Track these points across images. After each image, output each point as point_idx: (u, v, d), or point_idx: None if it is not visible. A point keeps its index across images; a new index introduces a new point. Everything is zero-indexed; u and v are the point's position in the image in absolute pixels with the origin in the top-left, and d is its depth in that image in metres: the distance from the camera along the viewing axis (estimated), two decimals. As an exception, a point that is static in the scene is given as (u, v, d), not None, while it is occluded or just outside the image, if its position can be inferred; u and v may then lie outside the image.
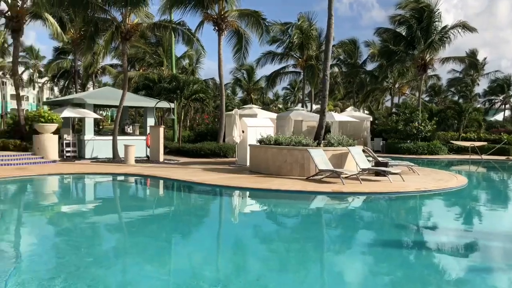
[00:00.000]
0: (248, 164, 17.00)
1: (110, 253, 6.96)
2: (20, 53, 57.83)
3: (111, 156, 19.64)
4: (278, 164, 14.71)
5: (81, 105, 20.41)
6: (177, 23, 20.36)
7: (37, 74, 64.88)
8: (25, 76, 63.87)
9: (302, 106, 39.02)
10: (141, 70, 35.92)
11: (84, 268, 5.95)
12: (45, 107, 24.18)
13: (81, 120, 22.85)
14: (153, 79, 26.76)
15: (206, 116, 35.43)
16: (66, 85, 37.24)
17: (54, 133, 18.16)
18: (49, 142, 17.77)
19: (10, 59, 54.11)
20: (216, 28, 23.75)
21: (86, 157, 19.78)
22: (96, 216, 9.99)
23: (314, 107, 38.47)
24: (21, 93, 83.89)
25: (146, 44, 33.64)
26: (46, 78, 69.43)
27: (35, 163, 16.81)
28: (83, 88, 36.31)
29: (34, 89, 74.71)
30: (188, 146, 22.77)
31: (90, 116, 20.03)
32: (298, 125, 26.50)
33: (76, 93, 31.53)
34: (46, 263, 6.23)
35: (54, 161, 17.55)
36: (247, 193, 12.39)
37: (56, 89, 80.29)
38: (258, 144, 15.79)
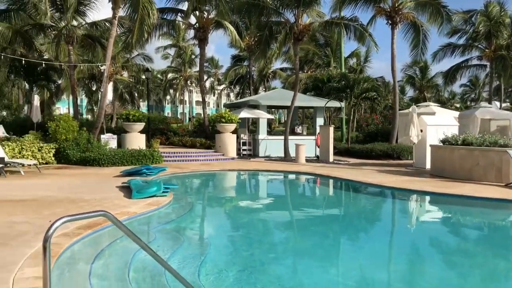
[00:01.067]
0: (428, 166, 15.36)
1: (290, 251, 6.80)
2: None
3: (282, 155, 20.18)
4: (467, 167, 12.83)
5: (255, 106, 21.55)
6: (348, 19, 19.80)
7: (217, 82, 72.11)
8: (207, 84, 71.37)
9: (490, 103, 34.08)
10: (309, 72, 36.47)
11: (268, 265, 5.88)
12: (224, 110, 26.30)
13: (255, 121, 24.18)
14: (322, 79, 26.73)
15: (376, 116, 33.90)
16: (241, 89, 40.26)
17: (232, 132, 19.52)
18: (229, 140, 19.16)
19: (196, 69, 61.39)
20: (389, 21, 22.32)
21: (260, 155, 20.75)
22: (273, 212, 10.12)
23: (503, 105, 33.20)
24: (198, 99, 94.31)
25: (315, 45, 33.96)
26: (223, 85, 76.90)
27: (217, 160, 18.30)
28: (256, 92, 38.67)
29: (214, 95, 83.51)
30: (358, 146, 21.96)
31: (264, 116, 20.96)
32: (485, 125, 23.01)
33: (250, 96, 33.78)
34: (233, 254, 6.37)
35: (232, 158, 18.83)
36: (430, 198, 11.05)
37: (232, 94, 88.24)
38: (441, 144, 14.09)
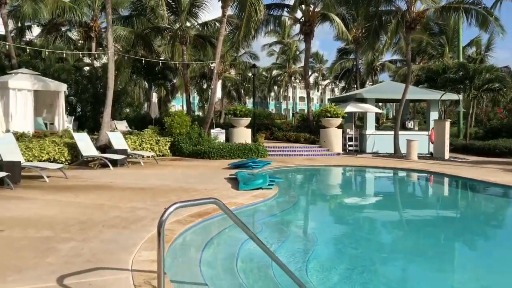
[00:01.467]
0: None
1: (403, 252, 6.28)
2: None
3: (391, 151, 19.09)
4: None
5: (363, 100, 20.70)
6: (470, 2, 17.92)
7: (321, 77, 71.34)
8: (311, 79, 70.87)
9: None
10: (421, 63, 34.06)
11: (380, 265, 5.49)
12: (329, 104, 25.77)
13: (362, 116, 23.28)
14: (437, 70, 24.70)
15: (499, 110, 30.41)
16: (347, 84, 39.26)
17: (338, 127, 19.00)
18: (334, 135, 18.69)
19: (300, 65, 61.35)
20: (520, 2, 19.72)
21: (367, 151, 19.90)
22: (383, 211, 9.54)
23: None
24: (306, 95, 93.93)
25: (428, 34, 31.56)
26: (328, 80, 75.77)
27: (321, 155, 17.97)
28: (362, 86, 37.33)
29: (317, 91, 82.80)
30: (478, 143, 19.87)
31: (371, 110, 20.05)
32: None
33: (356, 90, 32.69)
34: (341, 251, 6.09)
35: (338, 154, 18.33)
36: None
37: (336, 90, 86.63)
38: None
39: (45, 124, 19.22)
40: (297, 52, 56.58)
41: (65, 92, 19.28)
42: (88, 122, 22.08)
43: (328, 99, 37.35)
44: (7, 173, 8.79)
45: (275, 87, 69.40)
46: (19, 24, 26.73)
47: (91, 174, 11.38)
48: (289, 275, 3.86)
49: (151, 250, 4.79)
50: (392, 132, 19.42)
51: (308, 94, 23.98)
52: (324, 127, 19.07)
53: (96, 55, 27.12)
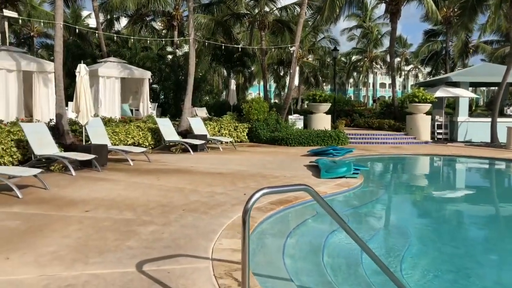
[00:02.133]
0: None
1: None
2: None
3: (486, 140, 17.27)
4: None
5: (454, 84, 18.94)
6: None
7: (404, 62, 67.49)
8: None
9: None
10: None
11: (490, 268, 4.71)
12: (416, 88, 24.03)
13: (451, 102, 21.39)
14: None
15: None
16: (434, 68, 36.50)
17: (426, 114, 17.57)
18: (422, 122, 17.31)
19: (382, 49, 58.42)
20: None
21: (459, 140, 18.22)
22: (484, 206, 8.46)
23: None
24: (387, 82, 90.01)
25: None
26: (411, 66, 71.48)
27: (408, 143, 16.74)
28: (452, 70, 34.44)
29: (400, 76, 78.60)
30: None
31: (464, 95, 18.27)
32: None
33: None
34: (440, 250, 5.36)
35: (426, 142, 16.97)
36: None
37: (420, 75, 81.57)
38: None
39: (131, 111, 20.09)
40: (379, 36, 54.02)
41: (149, 79, 19.96)
42: (171, 108, 22.75)
43: (415, 84, 34.96)
44: (95, 156, 9.12)
45: (354, 73, 67.10)
46: (108, 16, 28.24)
47: (172, 158, 11.54)
48: (390, 277, 3.33)
49: (231, 238, 4.50)
50: (488, 119, 17.55)
51: (393, 77, 22.51)
52: (411, 113, 17.74)
53: (178, 44, 27.88)
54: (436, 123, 18.74)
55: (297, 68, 39.42)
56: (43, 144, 9.11)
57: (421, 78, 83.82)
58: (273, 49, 30.90)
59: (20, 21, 29.05)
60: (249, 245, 2.69)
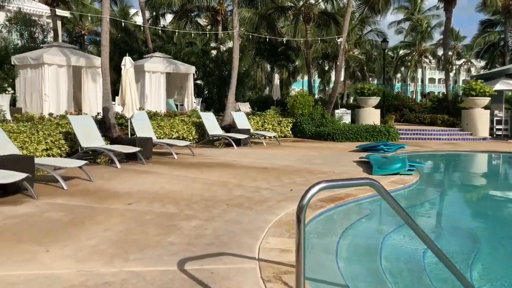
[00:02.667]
0: None
1: None
2: (441, 36, 59.22)
3: (554, 137, 15.88)
4: None
5: (516, 76, 17.57)
6: None
7: (455, 56, 64.41)
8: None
9: None
10: None
11: None
12: (473, 81, 22.63)
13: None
14: None
15: None
16: (490, 60, 34.29)
17: (484, 108, 16.40)
18: (479, 117, 16.17)
19: (431, 43, 55.98)
20: None
21: (520, 136, 16.89)
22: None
23: None
24: (436, 76, 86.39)
25: None
26: (463, 60, 68.08)
27: (463, 139, 15.71)
28: (511, 62, 32.24)
29: (451, 71, 75.06)
30: None
31: (528, 88, 16.89)
32: None
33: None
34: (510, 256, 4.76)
35: (484, 138, 15.84)
36: None
37: (473, 69, 77.58)
38: None
39: (176, 106, 20.21)
40: (429, 29, 51.82)
41: (193, 74, 19.98)
42: (214, 104, 22.73)
43: (470, 77, 33.09)
44: (140, 149, 9.06)
45: (402, 68, 64.82)
46: (154, 13, 28.64)
47: (215, 152, 11.35)
48: (457, 276, 2.85)
49: (279, 237, 4.15)
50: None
51: (446, 70, 21.31)
52: (467, 108, 16.63)
53: (221, 39, 27.84)
54: (495, 118, 17.46)
55: (343, 62, 38.45)
56: (90, 136, 9.16)
57: (474, 73, 79.78)
58: (318, 43, 30.22)
59: (71, 19, 30.11)
60: (304, 246, 2.33)
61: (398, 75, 74.48)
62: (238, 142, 12.80)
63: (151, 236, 4.17)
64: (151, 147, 9.94)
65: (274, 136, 14.47)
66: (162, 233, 4.25)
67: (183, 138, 13.15)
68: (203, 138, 13.68)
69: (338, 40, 16.69)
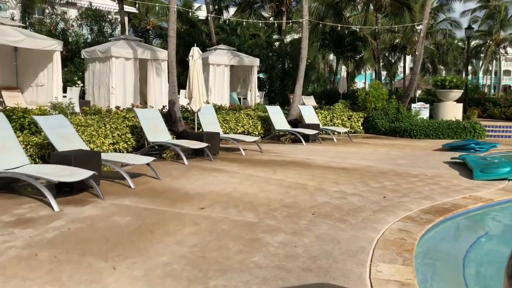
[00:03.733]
0: None
1: None
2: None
3: None
4: None
5: None
6: None
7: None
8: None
9: None
10: None
11: None
12: None
13: None
14: None
15: None
16: None
17: None
18: None
19: (510, 31, 51.45)
20: None
21: None
22: None
23: None
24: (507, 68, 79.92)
25: None
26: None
27: None
28: None
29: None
30: None
31: None
32: None
33: None
34: None
35: None
36: None
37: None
38: None
39: (239, 99, 19.71)
40: (507, 16, 47.71)
41: (257, 67, 19.35)
42: (277, 97, 21.99)
43: None
44: (208, 144, 8.52)
45: (473, 60, 60.40)
46: (216, 7, 28.36)
47: (284, 148, 10.60)
48: None
49: (391, 263, 3.30)
50: None
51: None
52: None
53: (285, 31, 26.97)
54: None
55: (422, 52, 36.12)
56: (157, 130, 8.76)
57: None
58: (386, 34, 28.45)
59: (137, 15, 30.69)
60: None
61: (469, 68, 69.63)
62: (307, 138, 11.96)
63: (232, 253, 3.49)
64: (218, 142, 9.38)
65: (345, 132, 13.46)
66: (244, 250, 3.55)
67: (248, 133, 12.54)
68: (268, 133, 13.00)
69: (418, 28, 15.23)
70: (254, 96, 18.74)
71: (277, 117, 12.66)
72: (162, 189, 5.86)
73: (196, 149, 8.46)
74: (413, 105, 15.64)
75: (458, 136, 13.16)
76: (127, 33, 22.29)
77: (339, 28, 22.45)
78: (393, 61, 38.98)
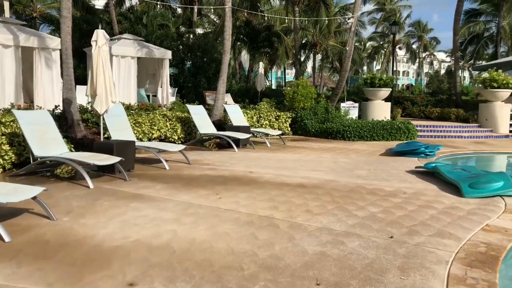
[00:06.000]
0: None
1: None
2: (408, 28, 59.18)
3: None
4: None
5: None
6: None
7: (422, 49, 64.48)
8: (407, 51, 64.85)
9: None
10: None
11: None
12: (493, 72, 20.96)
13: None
14: None
15: None
16: (475, 51, 33.13)
17: (505, 102, 14.64)
18: (500, 112, 14.41)
19: (403, 34, 55.13)
20: None
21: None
22: None
23: None
24: (404, 69, 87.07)
25: None
26: (426, 53, 68.21)
27: (487, 137, 13.87)
28: (507, 54, 31.23)
29: (414, 64, 75.07)
30: None
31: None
32: None
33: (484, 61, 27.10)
34: None
35: (506, 136, 14.07)
36: None
37: (435, 62, 78.24)
38: None
39: (148, 96, 17.26)
40: (401, 19, 51.32)
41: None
42: (190, 95, 19.92)
43: (473, 68, 31.86)
44: (120, 158, 6.33)
45: (368, 61, 63.81)
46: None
47: (214, 157, 8.73)
48: None
49: None
50: None
51: (456, 59, 19.31)
52: (486, 101, 14.83)
53: (195, 23, 24.89)
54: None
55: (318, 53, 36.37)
56: (47, 140, 6.36)
57: (436, 66, 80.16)
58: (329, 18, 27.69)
59: (21, 0, 26.17)
60: None
61: (365, 68, 73.85)
62: (237, 143, 10.25)
63: None
64: (133, 154, 7.22)
65: (278, 135, 11.98)
66: None
67: (166, 137, 10.47)
68: (189, 137, 11.05)
69: (349, 21, 14.34)
70: (166, 93, 16.45)
71: (201, 118, 10.74)
72: (57, 241, 3.68)
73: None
74: (342, 104, 14.75)
75: (392, 137, 12.47)
76: (7, 15, 18.42)
77: (254, 22, 21.12)
78: (302, 59, 39.01)
